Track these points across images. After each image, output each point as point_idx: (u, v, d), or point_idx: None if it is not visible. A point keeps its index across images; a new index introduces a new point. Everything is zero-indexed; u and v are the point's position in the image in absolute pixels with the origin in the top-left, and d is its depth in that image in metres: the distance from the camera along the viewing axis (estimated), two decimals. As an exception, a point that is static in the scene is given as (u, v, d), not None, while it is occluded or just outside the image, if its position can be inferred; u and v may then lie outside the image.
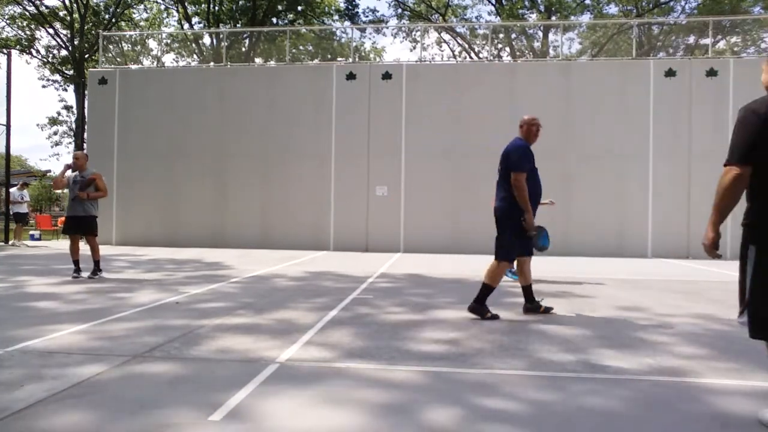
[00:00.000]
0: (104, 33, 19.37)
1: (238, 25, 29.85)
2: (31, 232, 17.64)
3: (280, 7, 30.97)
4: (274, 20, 31.17)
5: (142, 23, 33.40)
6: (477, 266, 9.76)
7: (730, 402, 2.95)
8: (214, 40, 26.61)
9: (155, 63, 18.48)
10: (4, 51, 19.70)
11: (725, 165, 2.57)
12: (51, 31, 31.21)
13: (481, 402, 2.90)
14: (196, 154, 15.33)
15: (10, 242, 15.26)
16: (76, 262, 7.76)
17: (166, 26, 33.64)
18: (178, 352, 3.79)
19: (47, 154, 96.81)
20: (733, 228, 13.69)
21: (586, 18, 31.28)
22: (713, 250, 2.63)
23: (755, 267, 2.46)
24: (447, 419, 2.64)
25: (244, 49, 25.60)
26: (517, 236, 5.02)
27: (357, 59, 23.91)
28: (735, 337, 4.50)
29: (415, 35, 29.95)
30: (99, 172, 8.13)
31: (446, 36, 31.63)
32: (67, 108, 34.60)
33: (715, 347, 4.14)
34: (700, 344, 4.23)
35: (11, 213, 15.49)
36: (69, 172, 7.93)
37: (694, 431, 2.57)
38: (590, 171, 14.12)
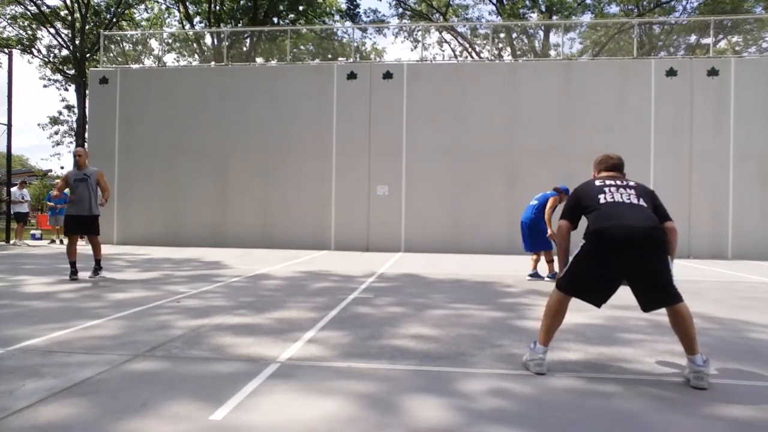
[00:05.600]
0: (105, 33, 19.37)
1: (239, 25, 29.85)
2: (32, 232, 17.66)
3: (281, 7, 30.96)
4: (275, 20, 31.16)
5: (143, 23, 33.41)
6: (478, 266, 9.77)
7: (732, 402, 2.94)
8: (215, 40, 26.61)
9: (156, 63, 18.48)
10: (6, 51, 19.71)
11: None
12: (52, 30, 31.21)
13: (482, 402, 2.89)
14: (197, 153, 15.33)
15: (12, 242, 15.27)
16: (73, 264, 7.58)
17: (167, 26, 33.66)
18: (179, 351, 3.80)
19: (48, 153, 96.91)
20: (734, 229, 13.75)
21: (587, 17, 31.28)
22: None
23: None
24: (446, 419, 2.64)
25: (245, 49, 25.59)
26: None
27: (358, 59, 23.91)
28: (736, 338, 4.50)
29: (416, 35, 29.94)
30: (100, 170, 8.06)
31: (447, 36, 31.62)
32: (69, 107, 34.64)
33: (716, 348, 4.13)
34: (701, 344, 4.21)
35: (12, 212, 15.51)
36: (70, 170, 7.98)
37: (697, 431, 2.57)
38: (591, 170, 14.06)
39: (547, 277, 8.21)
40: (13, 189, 15.72)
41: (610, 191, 3.43)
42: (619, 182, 3.51)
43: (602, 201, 3.39)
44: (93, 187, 7.70)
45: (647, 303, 3.33)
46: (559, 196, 8.18)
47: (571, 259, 3.45)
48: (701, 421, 2.66)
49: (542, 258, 8.46)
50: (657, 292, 3.26)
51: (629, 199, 3.37)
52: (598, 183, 3.55)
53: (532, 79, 14.58)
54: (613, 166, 3.75)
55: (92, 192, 7.69)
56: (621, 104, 14.16)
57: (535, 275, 8.34)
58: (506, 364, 3.59)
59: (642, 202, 3.37)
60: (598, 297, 3.38)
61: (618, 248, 3.20)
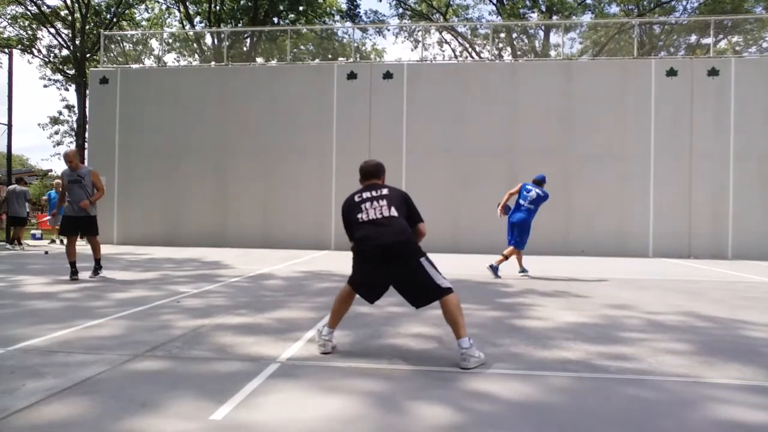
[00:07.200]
0: (105, 33, 19.37)
1: (239, 25, 29.85)
2: (33, 231, 17.66)
3: (281, 7, 30.96)
4: (276, 20, 31.16)
5: (143, 23, 33.41)
6: (477, 265, 9.77)
7: (732, 402, 2.94)
8: (216, 40, 26.61)
9: (157, 63, 18.48)
10: (6, 51, 19.73)
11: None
12: (52, 30, 31.22)
13: (482, 401, 2.89)
14: (198, 153, 15.34)
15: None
16: (72, 264, 7.55)
17: (167, 26, 33.66)
18: (180, 351, 3.80)
19: (48, 153, 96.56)
20: (734, 229, 13.75)
21: (587, 17, 31.27)
22: None
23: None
24: (447, 419, 2.64)
25: (245, 49, 25.59)
26: None
27: (358, 59, 23.91)
28: (736, 338, 4.50)
29: (416, 35, 29.94)
30: (95, 170, 7.91)
31: (447, 36, 31.60)
32: (69, 107, 34.60)
33: (716, 347, 4.13)
34: (701, 344, 4.23)
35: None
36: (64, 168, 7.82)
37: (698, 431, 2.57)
38: (591, 170, 14.11)
39: (489, 266, 8.52)
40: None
41: (365, 208, 3.79)
42: (374, 193, 3.85)
43: (360, 220, 3.78)
44: (88, 187, 7.59)
45: (415, 302, 3.75)
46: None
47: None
48: (701, 421, 2.66)
49: (509, 254, 8.80)
50: (420, 292, 3.67)
51: (381, 213, 3.75)
52: (356, 199, 3.88)
53: (532, 79, 14.58)
54: (369, 174, 4.05)
55: (87, 192, 7.59)
56: (621, 104, 14.16)
57: (523, 270, 8.71)
58: (507, 364, 3.59)
59: (393, 212, 3.75)
60: (370, 295, 3.82)
61: (374, 263, 3.69)
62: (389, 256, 3.64)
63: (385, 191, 3.86)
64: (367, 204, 3.80)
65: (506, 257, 8.57)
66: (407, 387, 3.09)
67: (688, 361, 3.72)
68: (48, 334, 4.23)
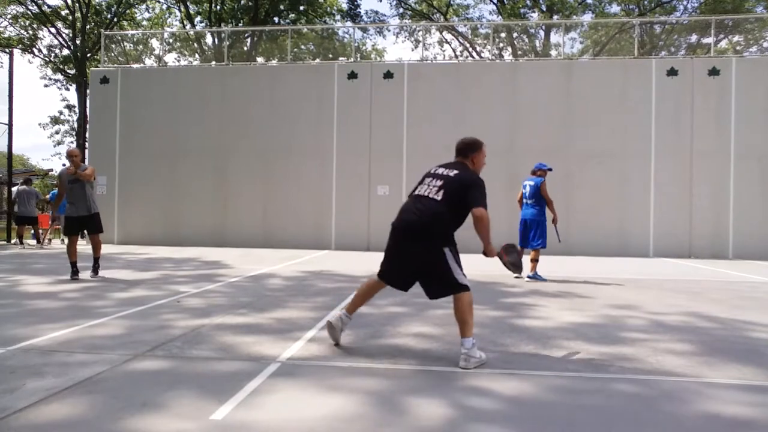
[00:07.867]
0: (106, 32, 19.36)
1: (239, 25, 29.85)
2: (33, 231, 17.62)
3: (282, 7, 30.96)
4: (276, 19, 31.15)
5: (144, 23, 33.43)
6: (478, 266, 9.75)
7: (732, 401, 2.94)
8: (216, 40, 26.59)
9: (157, 62, 18.49)
10: (7, 50, 19.72)
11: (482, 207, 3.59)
12: (53, 30, 31.23)
13: (483, 401, 2.89)
14: (198, 153, 15.33)
15: (12, 241, 15.28)
16: (74, 264, 7.57)
17: (168, 26, 33.66)
18: (180, 351, 3.80)
19: (49, 153, 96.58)
20: (735, 229, 13.72)
21: (587, 17, 31.25)
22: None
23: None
24: (447, 419, 2.64)
25: (245, 49, 25.57)
26: None
27: (359, 58, 23.90)
28: (736, 338, 4.50)
29: (417, 35, 29.92)
30: (94, 167, 8.00)
31: (448, 35, 31.58)
32: (69, 107, 34.64)
33: (717, 347, 4.13)
34: (702, 344, 4.23)
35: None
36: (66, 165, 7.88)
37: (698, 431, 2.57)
38: (592, 170, 14.09)
39: (527, 277, 8.16)
40: (15, 189, 15.74)
41: (425, 182, 3.78)
42: (443, 171, 3.77)
43: (413, 192, 3.80)
44: (88, 187, 7.63)
45: (430, 292, 3.71)
46: (543, 173, 8.46)
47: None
48: (701, 421, 2.66)
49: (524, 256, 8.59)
50: (437, 283, 3.63)
51: (429, 192, 3.67)
52: (431, 170, 3.86)
53: (533, 79, 14.57)
54: (457, 151, 4.01)
55: (87, 192, 7.63)
56: (622, 104, 14.14)
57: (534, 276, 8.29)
58: (507, 364, 3.59)
59: (440, 195, 3.62)
60: (397, 282, 3.80)
61: (396, 238, 3.69)
62: (409, 233, 3.59)
63: (452, 173, 3.72)
64: (428, 179, 3.77)
65: (535, 260, 8.24)
66: (407, 386, 3.09)
67: (688, 361, 3.72)
68: (48, 333, 4.24)
